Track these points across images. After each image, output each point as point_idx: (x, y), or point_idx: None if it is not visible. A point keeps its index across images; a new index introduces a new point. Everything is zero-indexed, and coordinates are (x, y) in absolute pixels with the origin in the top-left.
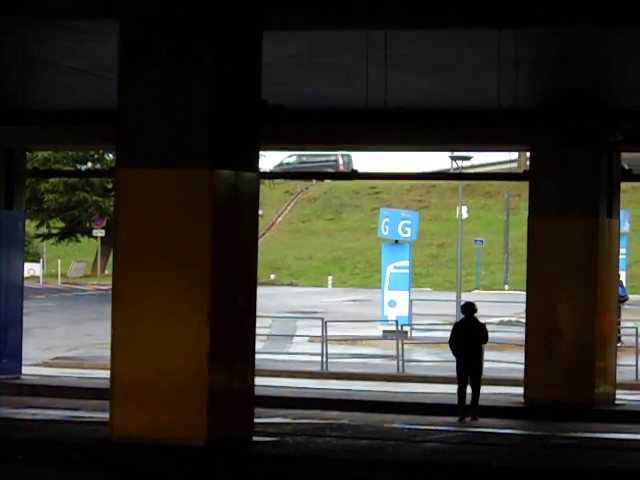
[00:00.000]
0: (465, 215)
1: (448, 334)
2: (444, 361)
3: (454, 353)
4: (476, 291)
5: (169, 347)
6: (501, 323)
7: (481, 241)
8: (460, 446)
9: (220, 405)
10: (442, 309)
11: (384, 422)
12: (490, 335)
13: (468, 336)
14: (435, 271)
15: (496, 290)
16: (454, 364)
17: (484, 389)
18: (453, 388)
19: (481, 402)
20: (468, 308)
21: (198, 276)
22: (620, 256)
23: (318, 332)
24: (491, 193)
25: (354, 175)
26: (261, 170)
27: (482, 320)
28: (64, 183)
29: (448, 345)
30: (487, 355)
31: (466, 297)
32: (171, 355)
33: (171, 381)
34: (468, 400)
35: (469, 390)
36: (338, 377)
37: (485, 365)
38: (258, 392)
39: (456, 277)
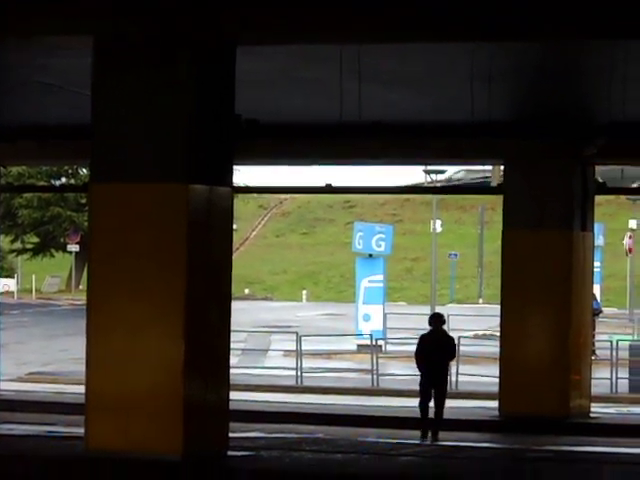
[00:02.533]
0: (439, 229)
1: None
2: (418, 375)
3: (419, 366)
4: (450, 305)
5: (144, 362)
6: (475, 337)
7: (455, 255)
8: (435, 459)
9: (195, 420)
10: (416, 323)
11: (359, 436)
12: (464, 349)
13: (435, 349)
14: (409, 285)
15: (470, 304)
16: None
17: (459, 403)
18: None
19: (456, 416)
20: (436, 320)
21: (173, 291)
22: (594, 269)
23: (293, 346)
24: (465, 207)
25: (328, 189)
26: (236, 184)
27: (456, 334)
28: (38, 198)
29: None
30: (462, 369)
31: (440, 311)
32: (146, 369)
33: (146, 396)
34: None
35: (432, 404)
36: (313, 391)
37: (460, 379)
38: (233, 406)
39: (430, 291)
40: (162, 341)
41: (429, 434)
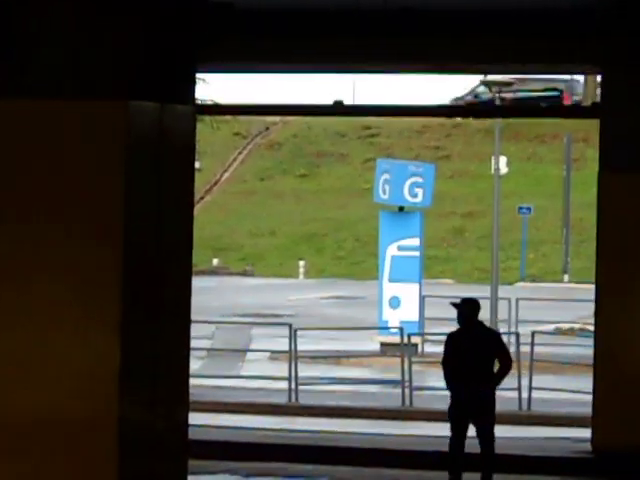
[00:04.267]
0: (504, 170)
1: None
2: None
3: (447, 381)
4: (521, 283)
5: (61, 367)
6: (558, 332)
7: (528, 209)
8: None
9: (137, 454)
10: None
11: (381, 479)
12: (540, 350)
13: (469, 354)
14: (459, 254)
15: (551, 282)
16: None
17: (532, 431)
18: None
19: (528, 451)
20: (468, 308)
21: (105, 261)
22: None
23: (284, 345)
24: (543, 137)
25: (338, 110)
26: (203, 101)
27: (528, 328)
28: None
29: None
30: (537, 380)
31: (507, 292)
32: (64, 379)
33: (64, 418)
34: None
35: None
36: (313, 413)
37: (533, 395)
38: (194, 435)
39: (491, 263)
40: (88, 336)
41: None
